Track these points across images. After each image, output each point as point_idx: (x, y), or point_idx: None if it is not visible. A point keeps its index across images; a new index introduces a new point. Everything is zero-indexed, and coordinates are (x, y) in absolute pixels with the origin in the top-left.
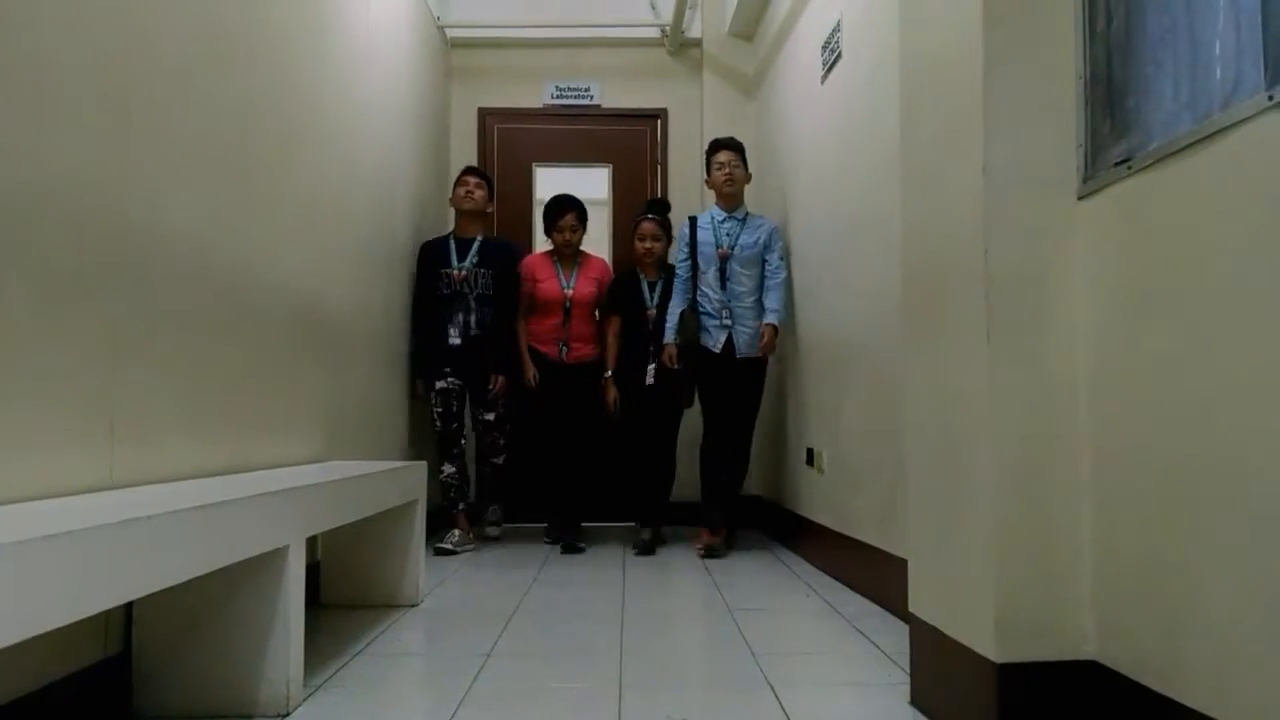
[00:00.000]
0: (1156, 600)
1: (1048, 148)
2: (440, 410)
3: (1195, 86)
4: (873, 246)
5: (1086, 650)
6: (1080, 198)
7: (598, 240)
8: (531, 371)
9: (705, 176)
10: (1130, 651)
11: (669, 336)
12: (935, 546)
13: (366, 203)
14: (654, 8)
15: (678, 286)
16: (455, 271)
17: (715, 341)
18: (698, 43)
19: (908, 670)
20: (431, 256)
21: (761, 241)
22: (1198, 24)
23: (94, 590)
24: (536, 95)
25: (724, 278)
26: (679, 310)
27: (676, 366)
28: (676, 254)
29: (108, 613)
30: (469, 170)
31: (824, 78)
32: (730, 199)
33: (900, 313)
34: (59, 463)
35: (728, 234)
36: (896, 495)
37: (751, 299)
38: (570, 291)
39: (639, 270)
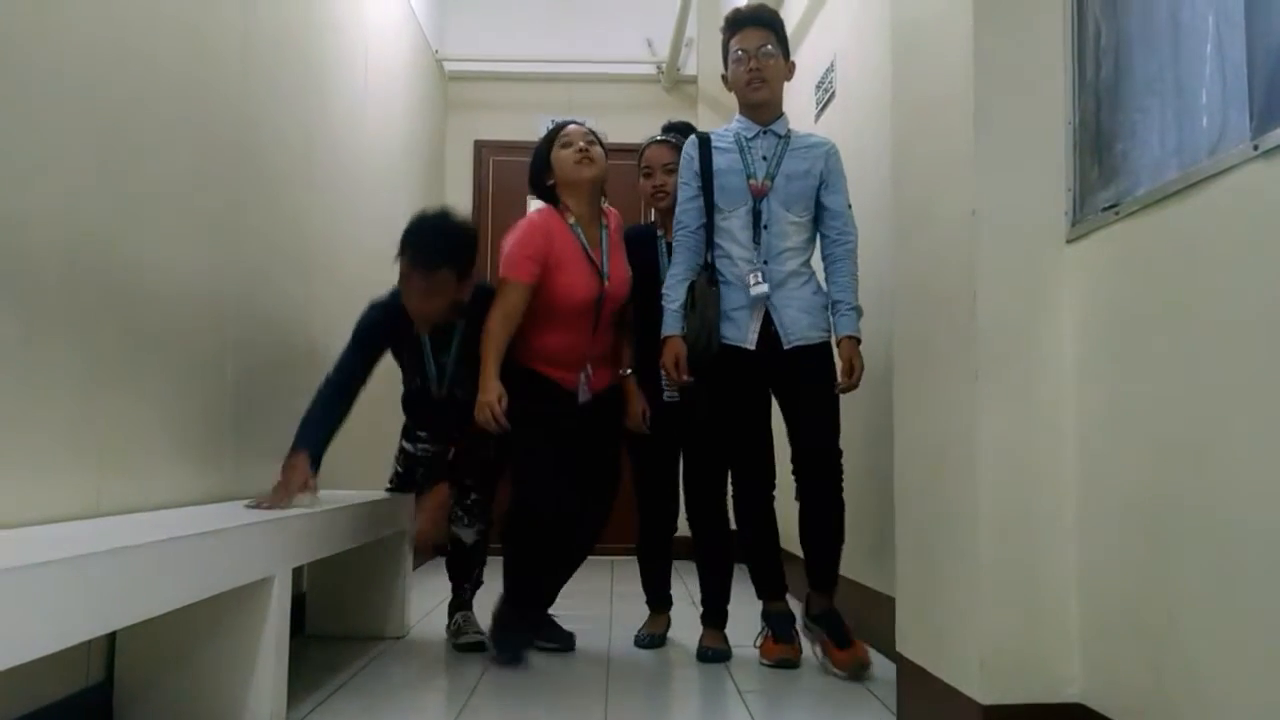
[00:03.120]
0: (1142, 642)
1: (1037, 192)
2: (401, 470)
3: (1182, 134)
4: (865, 287)
5: (1072, 692)
6: (1069, 241)
7: None
8: (497, 393)
9: (722, 71)
10: (1116, 694)
11: (672, 327)
12: (923, 586)
13: (360, 233)
14: (650, 45)
15: (680, 242)
16: (434, 387)
17: (745, 333)
18: (693, 80)
19: (894, 710)
20: (390, 343)
21: (817, 171)
22: (1185, 72)
23: (78, 620)
24: (533, 128)
25: (758, 225)
26: (685, 280)
27: (687, 380)
28: (679, 192)
29: (90, 640)
30: (424, 257)
31: (818, 116)
32: (761, 107)
33: (893, 350)
34: (47, 491)
35: (764, 157)
36: (886, 533)
37: (801, 259)
38: (607, 284)
39: (658, 227)
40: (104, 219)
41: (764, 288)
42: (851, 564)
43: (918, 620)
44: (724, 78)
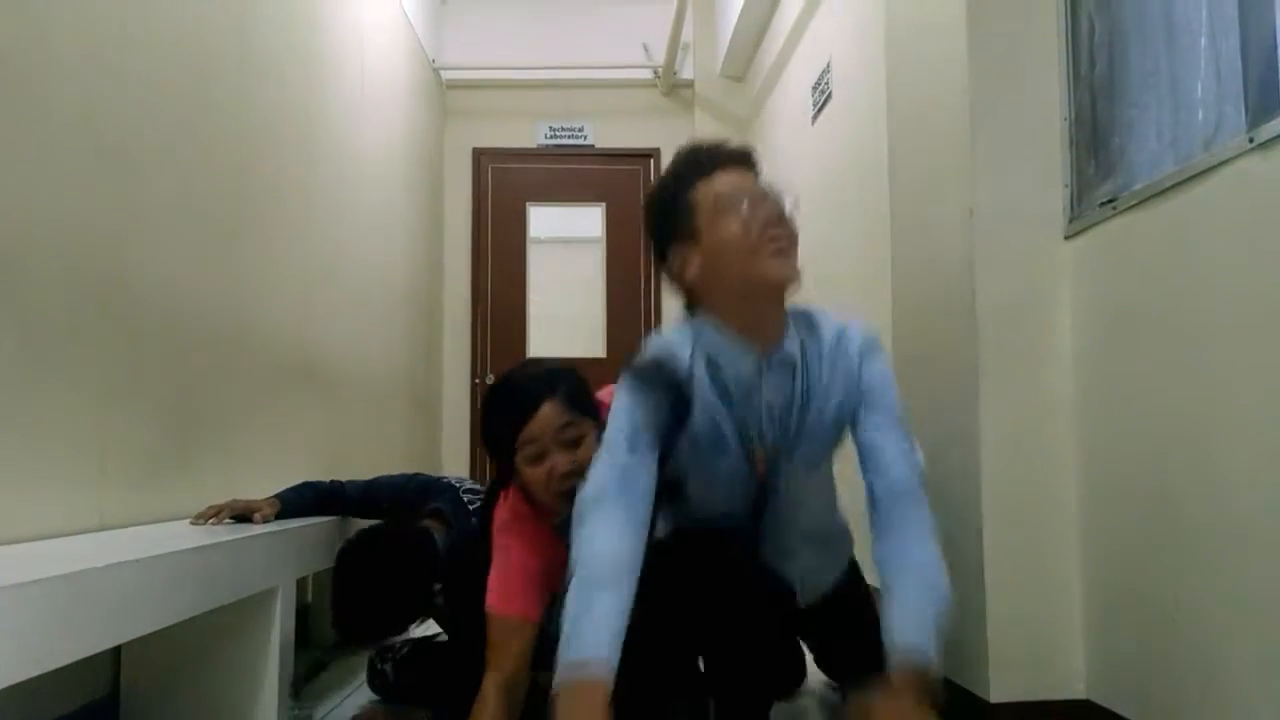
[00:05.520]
0: (1148, 635)
1: (1034, 188)
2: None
3: (1178, 128)
4: (864, 287)
5: (1080, 688)
6: (1067, 237)
7: (590, 281)
8: None
9: (673, 255)
10: (1123, 688)
11: (576, 650)
12: None
13: (360, 243)
14: (647, 49)
15: (583, 553)
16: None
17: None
18: (690, 84)
19: None
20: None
21: (854, 393)
22: (1180, 67)
23: (82, 634)
24: (531, 135)
25: (758, 508)
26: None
27: None
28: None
29: (96, 655)
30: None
31: (814, 118)
32: (771, 304)
33: (894, 348)
34: (51, 505)
35: (769, 402)
36: None
37: (821, 511)
38: None
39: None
40: (104, 232)
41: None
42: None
43: None
44: (669, 266)
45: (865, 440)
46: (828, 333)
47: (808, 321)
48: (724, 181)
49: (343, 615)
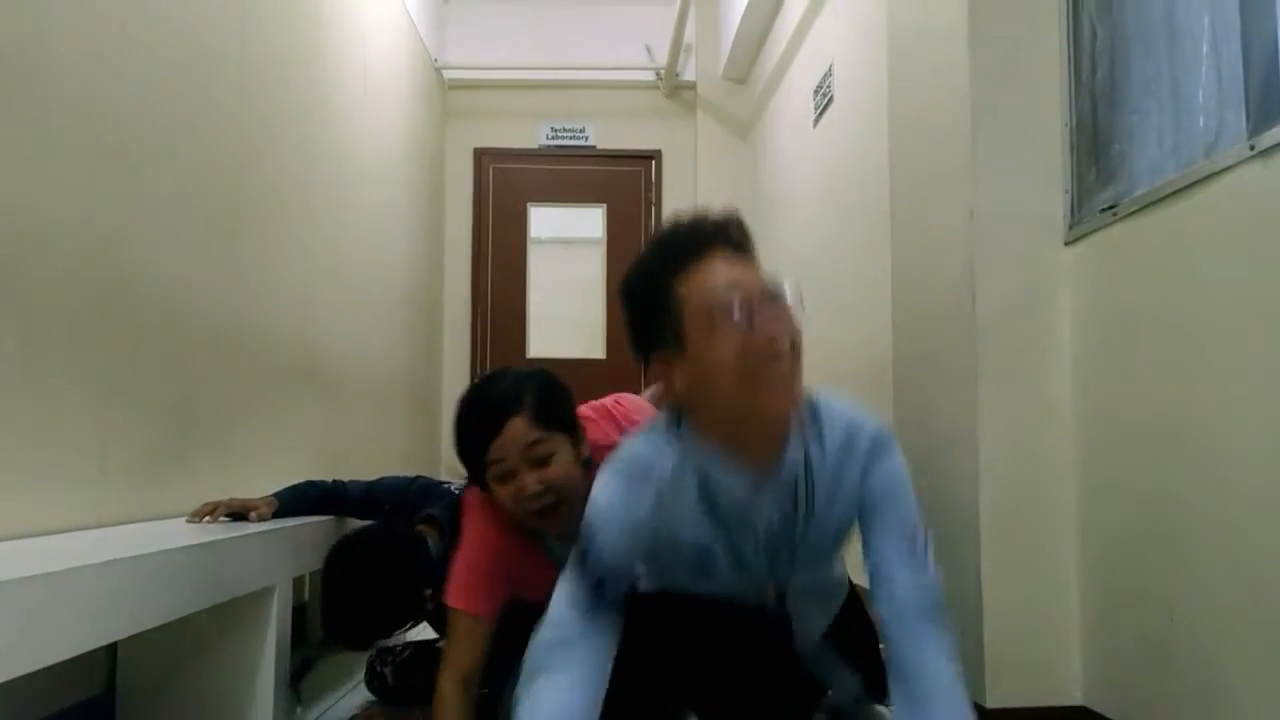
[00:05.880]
0: (1145, 642)
1: (1035, 194)
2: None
3: (1179, 135)
4: (864, 290)
5: (1076, 695)
6: (1067, 243)
7: (591, 282)
8: None
9: (656, 363)
10: (1119, 695)
11: None
12: None
13: (360, 242)
14: (649, 51)
15: (539, 662)
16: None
17: None
18: (692, 86)
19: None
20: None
21: (853, 492)
22: (1181, 73)
23: (78, 631)
24: (532, 136)
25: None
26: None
27: None
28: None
29: (91, 651)
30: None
31: (816, 121)
32: (772, 422)
33: (892, 352)
34: (51, 504)
35: (769, 517)
36: None
37: (825, 593)
38: None
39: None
40: (104, 232)
41: None
42: (851, 568)
43: None
44: (654, 372)
45: (873, 564)
46: (834, 432)
47: (814, 416)
48: (714, 274)
49: (330, 617)
